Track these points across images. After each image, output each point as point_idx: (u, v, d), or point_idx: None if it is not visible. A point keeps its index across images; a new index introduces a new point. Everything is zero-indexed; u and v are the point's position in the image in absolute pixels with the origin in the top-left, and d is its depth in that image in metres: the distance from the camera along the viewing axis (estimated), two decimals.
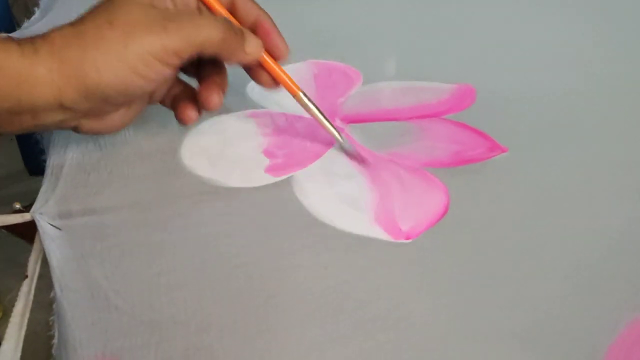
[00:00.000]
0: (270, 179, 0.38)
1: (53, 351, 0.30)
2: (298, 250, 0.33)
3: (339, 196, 0.37)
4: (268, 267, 0.32)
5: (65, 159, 0.38)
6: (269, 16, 0.38)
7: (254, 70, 0.38)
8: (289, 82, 0.38)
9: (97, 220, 0.35)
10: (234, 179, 0.38)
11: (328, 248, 0.33)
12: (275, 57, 0.37)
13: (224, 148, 0.40)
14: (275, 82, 0.38)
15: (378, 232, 0.34)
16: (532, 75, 0.49)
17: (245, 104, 0.44)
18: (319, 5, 0.59)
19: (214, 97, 0.37)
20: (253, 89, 0.46)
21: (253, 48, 0.36)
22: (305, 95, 0.38)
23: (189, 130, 0.41)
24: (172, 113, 0.40)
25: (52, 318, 0.31)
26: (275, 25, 0.37)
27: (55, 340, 0.30)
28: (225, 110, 0.43)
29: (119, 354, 0.28)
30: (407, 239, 0.34)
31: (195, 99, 0.38)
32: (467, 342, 0.29)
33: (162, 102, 0.39)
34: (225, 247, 0.33)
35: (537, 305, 0.31)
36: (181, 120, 0.38)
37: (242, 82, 0.46)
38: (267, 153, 0.40)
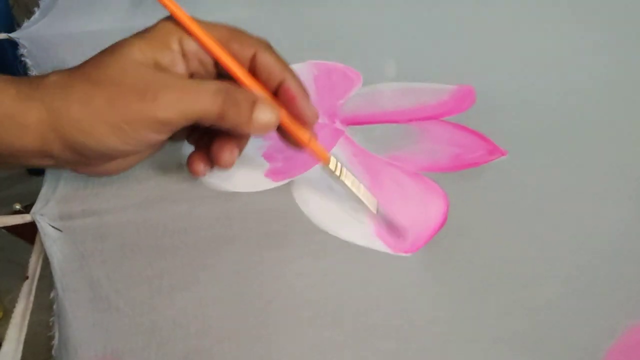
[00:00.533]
0: (270, 184, 0.38)
1: (53, 352, 0.30)
2: (298, 257, 0.33)
3: (339, 204, 0.37)
4: (268, 272, 0.32)
5: None
6: (295, 78, 0.33)
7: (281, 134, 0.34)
8: (318, 151, 0.34)
9: (97, 222, 0.35)
10: (234, 183, 0.38)
11: (327, 256, 0.33)
12: (301, 124, 0.33)
13: None
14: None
15: (378, 245, 0.34)
16: (532, 77, 0.49)
17: None
18: (319, 6, 0.59)
19: (225, 155, 0.34)
20: None
21: (265, 119, 0.32)
22: (337, 163, 0.34)
23: None
24: None
25: (52, 319, 0.31)
26: (302, 88, 0.33)
27: (55, 341, 0.30)
28: None
29: (120, 355, 0.29)
30: (407, 252, 0.34)
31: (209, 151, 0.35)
32: (466, 350, 0.29)
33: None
34: (225, 251, 0.33)
35: (536, 310, 0.31)
36: (191, 172, 0.36)
37: None
38: (267, 156, 0.40)
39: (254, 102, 0.31)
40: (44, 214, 0.35)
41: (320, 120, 0.43)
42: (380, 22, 0.58)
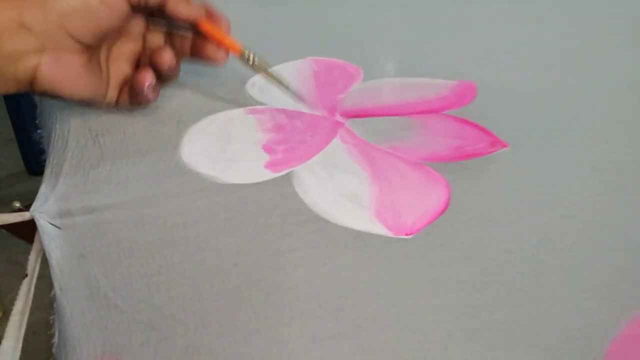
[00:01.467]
0: (270, 175, 0.38)
1: (53, 350, 0.30)
2: (298, 247, 0.33)
3: (339, 191, 0.37)
4: (267, 264, 0.32)
5: (65, 158, 0.38)
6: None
7: (200, 48, 0.39)
8: (232, 42, 0.40)
9: (96, 219, 0.35)
10: (233, 176, 0.37)
11: (328, 244, 0.33)
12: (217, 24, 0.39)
13: (224, 145, 0.40)
14: (221, 50, 0.39)
15: (378, 228, 0.34)
16: (533, 71, 0.49)
17: (245, 100, 0.44)
18: (320, 2, 0.59)
19: (165, 54, 0.38)
20: (253, 85, 0.46)
21: (197, 5, 0.38)
22: (250, 52, 0.40)
23: (188, 128, 0.41)
24: (171, 112, 0.40)
25: (52, 317, 0.31)
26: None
27: (55, 339, 0.30)
28: (224, 106, 0.43)
29: (119, 352, 0.28)
30: (408, 234, 0.34)
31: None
32: (467, 340, 0.29)
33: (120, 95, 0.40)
34: (224, 244, 0.33)
35: (537, 301, 0.31)
36: (137, 83, 0.39)
37: (241, 79, 0.46)
38: (267, 149, 0.40)
39: None
40: (43, 211, 0.35)
41: (320, 114, 0.43)
42: (381, 19, 0.58)
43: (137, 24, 0.39)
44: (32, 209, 0.35)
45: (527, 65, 0.50)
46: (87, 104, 0.39)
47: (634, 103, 0.46)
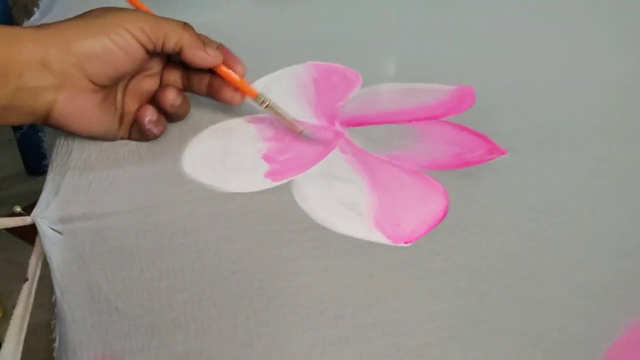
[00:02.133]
0: (269, 184, 0.38)
1: (54, 354, 0.30)
2: (298, 255, 0.33)
3: (338, 200, 0.37)
4: (268, 271, 0.32)
5: (68, 167, 0.38)
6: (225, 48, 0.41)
7: (217, 89, 0.41)
8: (249, 87, 0.41)
9: (97, 225, 0.35)
10: (234, 185, 0.38)
11: (328, 252, 0.33)
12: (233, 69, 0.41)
13: (224, 154, 0.40)
14: (237, 93, 0.41)
15: (377, 236, 0.34)
16: (531, 77, 0.49)
17: (246, 109, 0.44)
18: (319, 7, 0.59)
19: (169, 94, 0.39)
20: None
21: (213, 52, 0.39)
22: (265, 98, 0.41)
23: (190, 137, 0.41)
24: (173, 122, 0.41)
25: (53, 321, 0.31)
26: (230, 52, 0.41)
27: (56, 343, 0.30)
28: (225, 116, 0.43)
29: (119, 356, 0.29)
30: (407, 242, 0.34)
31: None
32: (465, 346, 0.29)
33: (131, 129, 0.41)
34: (225, 252, 0.33)
35: (536, 308, 0.31)
36: (138, 118, 0.39)
37: None
38: (267, 158, 0.40)
39: (204, 43, 0.39)
40: (45, 217, 0.35)
41: (319, 123, 0.43)
42: (379, 23, 0.58)
43: (157, 63, 0.40)
44: (33, 214, 0.35)
45: (525, 70, 0.50)
46: (97, 139, 0.40)
47: (632, 108, 0.46)
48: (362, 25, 0.57)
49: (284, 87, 0.47)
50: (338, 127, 0.43)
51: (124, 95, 0.40)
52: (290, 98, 0.46)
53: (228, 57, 0.40)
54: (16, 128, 1.29)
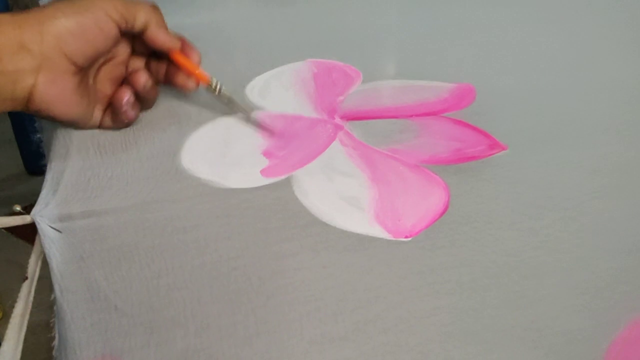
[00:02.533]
0: (269, 180, 0.38)
1: (53, 353, 0.30)
2: (297, 251, 0.33)
3: (339, 194, 0.37)
4: (267, 268, 0.32)
5: (66, 164, 0.39)
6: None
7: (172, 75, 0.42)
8: (201, 73, 0.42)
9: (97, 223, 0.35)
10: (233, 181, 0.38)
11: (328, 248, 0.33)
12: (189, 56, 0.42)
13: (224, 150, 0.40)
14: (191, 79, 0.42)
15: (378, 231, 0.34)
16: (532, 74, 0.49)
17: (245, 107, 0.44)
18: (319, 6, 0.59)
19: (141, 76, 0.41)
20: (252, 89, 0.46)
21: (174, 36, 0.41)
22: (218, 83, 0.42)
23: (188, 133, 0.41)
24: (172, 119, 0.41)
25: (52, 320, 0.31)
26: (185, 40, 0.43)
27: (55, 342, 0.30)
28: (225, 112, 0.43)
29: (119, 355, 0.28)
30: (407, 237, 0.34)
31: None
32: (467, 342, 0.29)
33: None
34: (224, 248, 0.33)
35: (537, 304, 0.31)
36: (115, 101, 0.41)
37: (241, 84, 0.46)
38: (267, 154, 0.40)
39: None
40: (44, 215, 0.35)
41: (319, 116, 0.43)
42: (380, 21, 0.58)
43: (124, 51, 0.42)
44: (32, 212, 0.35)
45: (525, 68, 0.50)
46: (72, 125, 0.41)
47: (632, 105, 0.46)
48: (362, 24, 0.57)
49: (284, 83, 0.47)
50: (338, 120, 0.43)
51: (94, 81, 0.41)
52: (291, 93, 0.45)
53: (186, 46, 0.42)
54: (15, 127, 1.29)
